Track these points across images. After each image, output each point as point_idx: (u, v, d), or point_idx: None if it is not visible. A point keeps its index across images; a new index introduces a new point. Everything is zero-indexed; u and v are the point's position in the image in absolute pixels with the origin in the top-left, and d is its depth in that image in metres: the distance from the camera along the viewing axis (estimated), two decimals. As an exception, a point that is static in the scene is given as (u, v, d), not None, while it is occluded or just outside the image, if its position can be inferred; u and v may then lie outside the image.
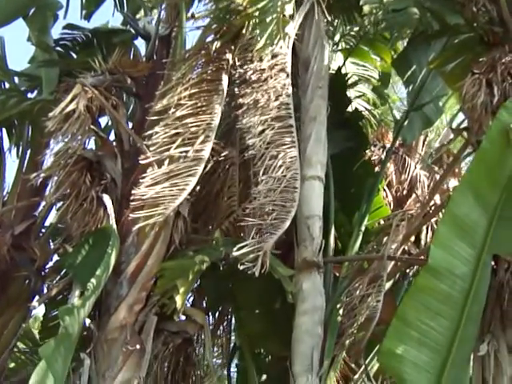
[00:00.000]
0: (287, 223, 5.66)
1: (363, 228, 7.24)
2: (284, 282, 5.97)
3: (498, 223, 5.41)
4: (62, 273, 7.23)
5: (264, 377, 7.45)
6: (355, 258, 7.00)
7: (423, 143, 10.01)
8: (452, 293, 5.35)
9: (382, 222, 7.84)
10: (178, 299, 5.69)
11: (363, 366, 6.73)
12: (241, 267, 5.39)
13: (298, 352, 6.01)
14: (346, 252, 7.21)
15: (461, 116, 9.31)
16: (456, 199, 5.47)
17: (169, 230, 6.36)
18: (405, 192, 9.00)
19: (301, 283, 6.16)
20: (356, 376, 6.81)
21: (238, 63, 6.39)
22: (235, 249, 5.42)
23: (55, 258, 7.87)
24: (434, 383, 5.42)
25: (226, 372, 8.25)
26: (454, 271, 5.34)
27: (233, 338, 7.70)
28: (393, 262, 6.83)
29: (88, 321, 5.97)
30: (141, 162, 5.91)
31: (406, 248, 7.12)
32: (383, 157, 8.82)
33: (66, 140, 6.58)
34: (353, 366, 6.99)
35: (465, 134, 6.95)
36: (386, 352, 5.41)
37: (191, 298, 7.21)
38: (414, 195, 8.96)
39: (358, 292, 6.33)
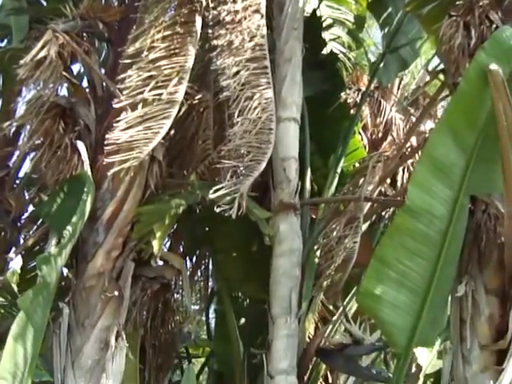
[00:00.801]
0: (263, 165, 5.55)
1: (339, 170, 7.15)
2: (261, 224, 5.90)
3: (475, 164, 5.37)
4: (38, 223, 7.09)
5: (242, 320, 7.40)
6: (332, 199, 6.94)
7: (398, 86, 9.91)
8: (430, 233, 5.31)
9: (357, 164, 7.75)
10: (155, 244, 5.60)
11: (341, 308, 6.69)
12: (217, 210, 5.29)
13: (276, 294, 5.97)
14: (322, 194, 7.14)
15: (436, 60, 9.18)
16: (433, 140, 5.41)
17: (144, 175, 6.19)
18: (380, 135, 8.92)
19: (278, 225, 6.10)
20: (334, 318, 6.78)
21: (211, 5, 6.19)
22: (211, 191, 5.32)
23: (30, 208, 7.73)
24: (413, 324, 5.41)
25: (204, 317, 8.28)
26: (432, 211, 5.29)
27: (211, 282, 7.63)
28: (369, 204, 6.79)
29: (65, 270, 5.85)
30: (114, 106, 5.75)
31: (383, 190, 7.06)
32: (358, 100, 8.69)
33: (38, 88, 6.36)
34: (331, 308, 6.96)
35: (441, 76, 6.84)
36: (364, 293, 5.38)
37: (168, 243, 7.13)
38: (389, 138, 8.89)
39: (334, 233, 6.28)
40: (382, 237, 5.38)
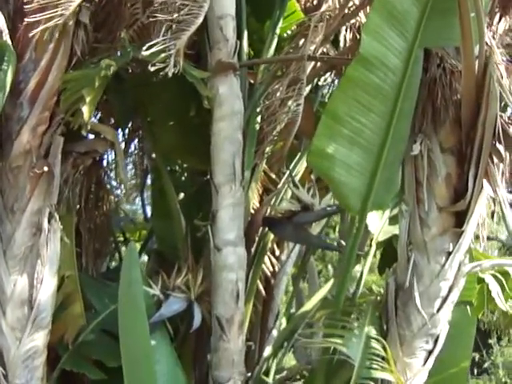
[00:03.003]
0: (200, 19, 4.84)
1: (277, 31, 6.45)
2: (198, 86, 5.21)
3: (430, 15, 4.78)
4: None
5: (182, 195, 6.77)
6: (273, 59, 6.26)
7: None
8: (383, 86, 4.75)
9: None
10: (85, 110, 4.87)
11: (287, 173, 6.08)
12: (152, 68, 4.62)
13: (218, 161, 5.34)
14: (260, 58, 6.42)
15: None
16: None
17: (69, 42, 5.41)
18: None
19: (217, 87, 5.41)
20: (280, 184, 6.19)
21: None
22: (144, 48, 4.63)
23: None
24: (367, 185, 4.91)
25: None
26: (386, 62, 4.72)
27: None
28: (312, 65, 6.15)
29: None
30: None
31: (325, 50, 6.38)
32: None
33: None
34: (274, 177, 6.37)
35: None
36: (315, 151, 4.82)
37: (98, 116, 6.40)
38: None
39: (278, 94, 5.65)
40: (334, 90, 4.76)
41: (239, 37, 5.81)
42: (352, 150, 4.80)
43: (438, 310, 4.91)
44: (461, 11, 4.64)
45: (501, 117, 4.71)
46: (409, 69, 4.79)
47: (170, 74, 4.62)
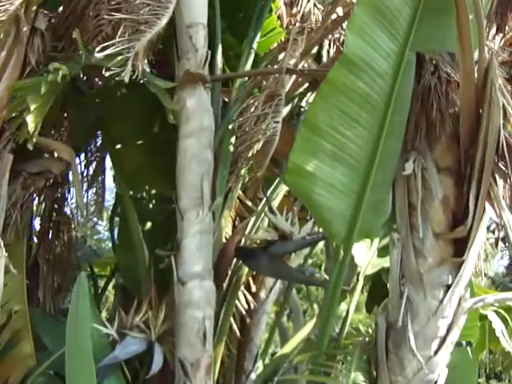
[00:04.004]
0: (164, 20, 4.23)
1: (255, 46, 5.78)
2: (163, 98, 4.56)
3: (423, 15, 4.20)
4: None
5: (149, 224, 6.01)
6: (249, 73, 5.59)
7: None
8: (371, 94, 4.12)
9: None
10: (30, 119, 4.19)
11: (264, 198, 5.33)
12: (106, 73, 4.00)
13: (183, 182, 4.61)
14: (235, 74, 5.76)
15: None
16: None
17: (22, 50, 4.84)
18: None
19: (184, 100, 4.72)
20: (255, 212, 5.42)
21: None
22: (97, 49, 3.99)
23: None
24: (353, 208, 4.22)
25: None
26: (374, 66, 4.09)
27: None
28: (292, 81, 5.48)
29: None
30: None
31: (306, 66, 5.73)
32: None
33: None
34: (250, 204, 5.63)
35: None
36: (293, 169, 4.11)
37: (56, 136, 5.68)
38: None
39: (252, 109, 4.97)
40: (314, 98, 4.05)
41: (212, 49, 5.17)
42: (335, 168, 4.11)
43: (436, 353, 4.20)
44: (458, 12, 4.05)
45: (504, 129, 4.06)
46: (399, 75, 4.17)
47: (126, 80, 4.00)
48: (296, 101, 6.13)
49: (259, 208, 5.44)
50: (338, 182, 4.14)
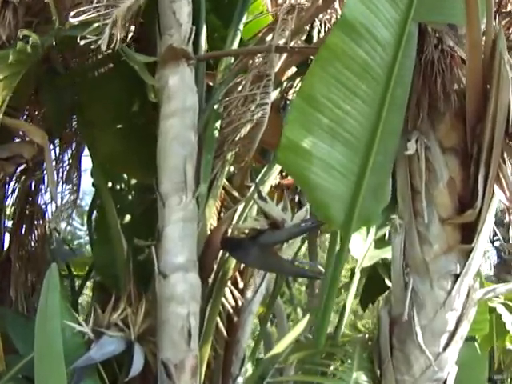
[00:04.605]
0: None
1: (241, 28, 5.37)
2: (143, 74, 4.15)
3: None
4: None
5: (128, 217, 5.56)
6: (236, 51, 5.18)
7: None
8: (372, 64, 3.71)
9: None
10: (-6, 91, 3.76)
11: (254, 185, 4.89)
12: (81, 42, 3.59)
13: (165, 166, 4.17)
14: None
15: None
16: None
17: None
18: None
19: (166, 78, 4.30)
20: (243, 199, 4.99)
21: None
22: (71, 15, 3.57)
23: None
24: (352, 190, 3.80)
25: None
26: (375, 34, 3.67)
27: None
28: (281, 62, 5.07)
29: None
30: None
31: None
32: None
33: None
34: (236, 194, 5.20)
35: None
36: (287, 146, 3.67)
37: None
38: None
39: (240, 88, 4.56)
40: (311, 66, 3.63)
41: (196, 30, 4.75)
42: (333, 146, 3.68)
43: (445, 348, 3.78)
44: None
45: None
46: (402, 45, 3.75)
47: (103, 48, 3.58)
48: (285, 86, 5.70)
49: (248, 194, 5.00)
50: (336, 162, 3.70)
